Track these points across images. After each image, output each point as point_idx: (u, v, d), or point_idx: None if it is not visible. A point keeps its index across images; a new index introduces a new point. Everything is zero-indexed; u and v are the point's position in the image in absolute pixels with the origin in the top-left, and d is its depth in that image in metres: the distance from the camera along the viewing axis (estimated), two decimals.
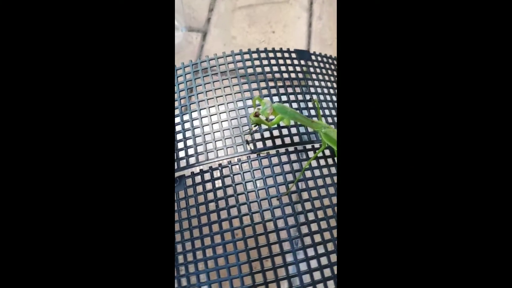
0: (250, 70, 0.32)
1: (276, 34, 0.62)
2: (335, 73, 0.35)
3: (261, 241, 0.25)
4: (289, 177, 0.27)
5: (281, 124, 0.28)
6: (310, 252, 0.24)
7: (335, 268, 0.24)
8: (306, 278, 0.24)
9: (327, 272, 0.24)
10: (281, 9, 0.64)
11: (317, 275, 0.24)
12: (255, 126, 0.28)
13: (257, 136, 0.29)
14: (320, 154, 0.28)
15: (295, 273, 0.24)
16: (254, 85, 0.31)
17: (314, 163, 0.28)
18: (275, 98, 0.30)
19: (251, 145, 0.28)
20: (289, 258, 0.24)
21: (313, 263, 0.24)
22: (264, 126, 0.28)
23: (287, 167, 0.27)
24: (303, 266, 0.24)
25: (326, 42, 0.60)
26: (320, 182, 0.27)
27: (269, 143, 0.28)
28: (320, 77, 0.34)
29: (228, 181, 0.27)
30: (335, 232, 0.25)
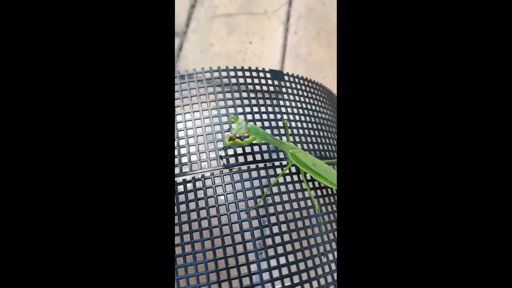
0: (226, 88, 0.33)
1: (253, 45, 0.64)
2: (305, 94, 0.38)
3: (229, 252, 0.27)
4: (258, 192, 0.29)
5: (254, 142, 0.30)
6: (273, 262, 0.27)
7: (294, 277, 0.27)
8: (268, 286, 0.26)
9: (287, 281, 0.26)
10: (259, 20, 0.67)
11: (277, 284, 0.26)
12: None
13: (230, 151, 0.30)
14: (287, 171, 0.31)
15: (259, 282, 0.26)
16: (229, 102, 0.33)
17: (281, 180, 0.30)
18: (248, 116, 0.32)
19: (224, 160, 0.30)
20: (254, 268, 0.27)
21: (275, 273, 0.27)
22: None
23: (256, 183, 0.29)
24: (266, 276, 0.26)
25: (300, 57, 0.63)
26: (285, 197, 0.30)
27: (241, 159, 0.30)
28: (291, 97, 0.36)
29: (201, 194, 0.29)
30: (296, 244, 0.28)
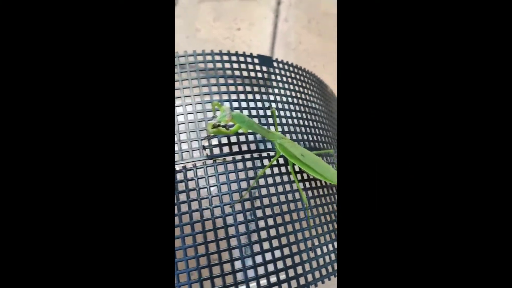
0: (213, 73, 0.31)
1: (241, 32, 0.61)
2: (295, 82, 0.36)
3: (211, 249, 0.25)
4: (243, 184, 0.27)
5: (240, 131, 0.28)
6: (258, 259, 0.25)
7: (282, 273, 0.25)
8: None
9: (273, 279, 0.25)
10: (248, 6, 0.64)
11: (263, 282, 0.25)
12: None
13: (214, 141, 0.28)
14: (275, 163, 0.29)
15: (243, 280, 0.25)
16: (214, 89, 0.31)
17: (268, 171, 0.28)
18: (235, 104, 0.30)
19: (208, 151, 0.28)
20: (238, 265, 0.25)
21: (261, 270, 0.25)
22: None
23: (242, 175, 0.28)
24: (251, 273, 0.25)
25: (290, 46, 0.61)
26: (272, 190, 0.28)
27: (226, 149, 0.28)
28: (280, 85, 0.34)
29: (182, 186, 0.27)
30: (283, 239, 0.27)
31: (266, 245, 0.26)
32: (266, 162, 0.29)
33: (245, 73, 0.33)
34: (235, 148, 0.29)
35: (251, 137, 0.29)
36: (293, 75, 0.36)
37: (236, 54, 0.33)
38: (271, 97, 0.33)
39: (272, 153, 0.30)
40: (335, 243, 0.30)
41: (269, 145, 0.30)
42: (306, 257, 0.27)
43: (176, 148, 0.28)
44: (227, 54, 0.33)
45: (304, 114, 0.34)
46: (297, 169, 0.30)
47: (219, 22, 0.61)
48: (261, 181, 0.28)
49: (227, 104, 0.29)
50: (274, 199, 0.28)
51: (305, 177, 0.30)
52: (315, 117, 0.36)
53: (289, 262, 0.26)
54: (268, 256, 0.26)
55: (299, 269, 0.26)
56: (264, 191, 0.28)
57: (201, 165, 0.27)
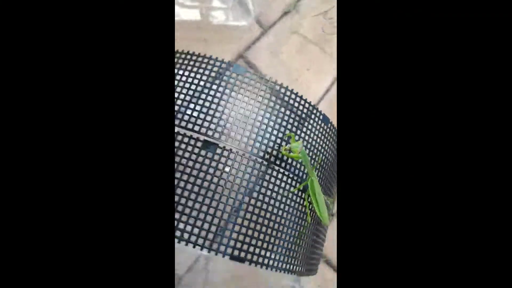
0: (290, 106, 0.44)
1: (308, 74, 0.75)
2: (327, 136, 0.50)
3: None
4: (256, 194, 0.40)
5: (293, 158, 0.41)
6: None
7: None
8: None
9: None
10: (324, 58, 0.78)
11: None
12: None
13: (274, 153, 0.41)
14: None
15: None
16: (280, 114, 0.43)
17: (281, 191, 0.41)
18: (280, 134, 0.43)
19: (267, 156, 0.40)
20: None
21: None
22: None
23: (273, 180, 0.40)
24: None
25: (333, 104, 0.75)
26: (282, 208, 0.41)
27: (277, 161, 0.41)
28: (328, 142, 0.48)
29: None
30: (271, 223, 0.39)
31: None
32: (288, 180, 0.42)
33: (306, 122, 0.46)
34: (283, 164, 0.41)
35: (294, 163, 0.42)
36: (329, 130, 0.50)
37: (309, 103, 0.46)
38: (308, 139, 0.46)
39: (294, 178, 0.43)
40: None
41: (301, 175, 0.43)
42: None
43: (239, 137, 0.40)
44: (305, 101, 0.46)
45: (324, 164, 0.48)
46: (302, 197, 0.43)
47: (299, 56, 0.74)
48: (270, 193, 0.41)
49: (300, 141, 0.42)
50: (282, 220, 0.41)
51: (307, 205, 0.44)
52: (330, 169, 0.50)
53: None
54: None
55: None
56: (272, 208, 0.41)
57: (247, 156, 0.40)
